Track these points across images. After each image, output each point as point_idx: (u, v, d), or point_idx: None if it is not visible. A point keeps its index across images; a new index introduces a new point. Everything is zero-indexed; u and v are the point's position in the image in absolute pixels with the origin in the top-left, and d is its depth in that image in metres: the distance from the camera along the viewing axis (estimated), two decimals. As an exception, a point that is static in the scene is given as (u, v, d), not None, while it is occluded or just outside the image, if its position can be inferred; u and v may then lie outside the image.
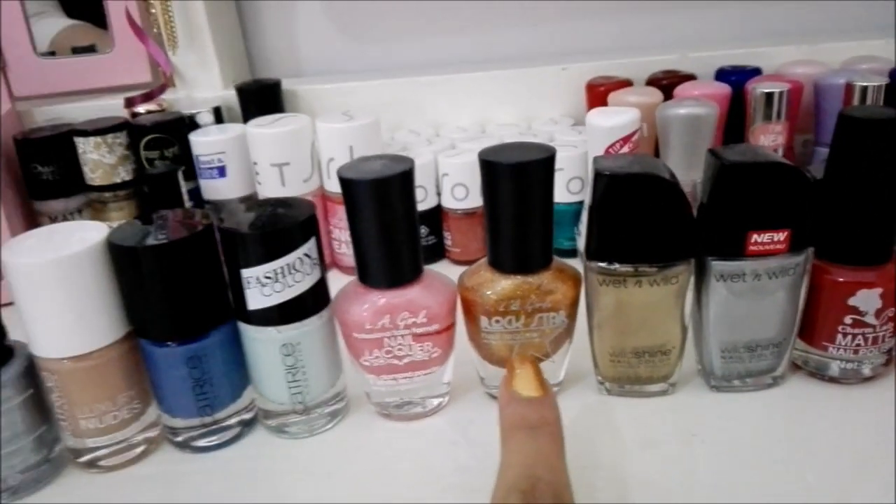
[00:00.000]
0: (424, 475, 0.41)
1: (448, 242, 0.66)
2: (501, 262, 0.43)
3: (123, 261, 0.40)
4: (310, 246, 0.41)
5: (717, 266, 0.42)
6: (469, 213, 0.64)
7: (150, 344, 0.42)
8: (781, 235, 0.41)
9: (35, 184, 0.68)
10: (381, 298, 0.42)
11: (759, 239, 0.41)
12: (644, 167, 0.41)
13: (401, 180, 0.40)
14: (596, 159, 0.42)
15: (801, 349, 0.46)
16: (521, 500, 0.29)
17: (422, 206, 0.64)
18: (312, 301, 0.42)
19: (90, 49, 0.77)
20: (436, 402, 0.46)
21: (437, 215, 0.65)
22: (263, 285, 0.40)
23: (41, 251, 0.39)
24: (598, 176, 0.41)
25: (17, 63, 0.75)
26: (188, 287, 0.41)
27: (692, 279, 0.43)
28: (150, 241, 0.40)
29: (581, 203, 0.63)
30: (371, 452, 0.44)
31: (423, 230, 0.65)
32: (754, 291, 0.42)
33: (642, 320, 0.43)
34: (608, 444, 0.43)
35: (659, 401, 0.46)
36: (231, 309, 0.43)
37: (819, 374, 0.46)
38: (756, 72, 0.68)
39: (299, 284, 0.41)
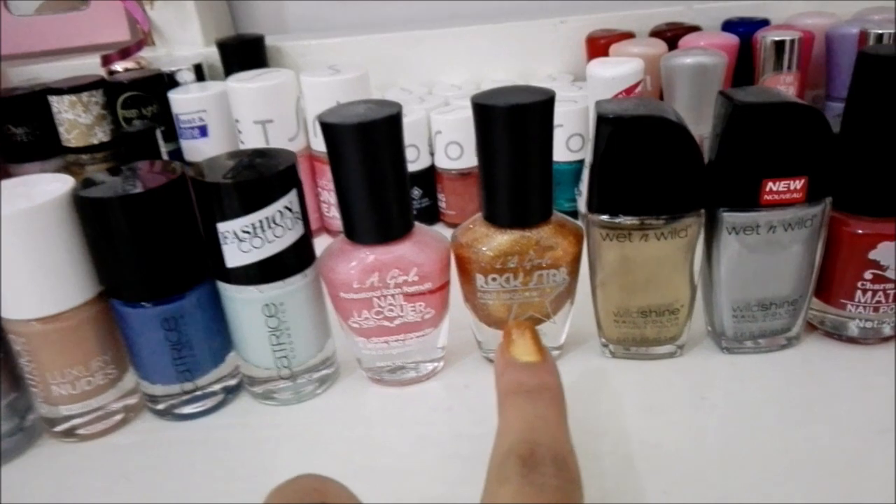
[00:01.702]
0: (419, 442, 0.39)
1: (442, 205, 0.63)
2: (497, 216, 0.40)
3: (91, 214, 0.37)
4: (290, 198, 0.38)
5: (730, 217, 0.39)
6: (464, 174, 0.61)
7: (122, 305, 0.39)
8: (798, 183, 0.38)
9: (10, 146, 0.64)
10: (370, 255, 0.39)
11: (774, 187, 0.38)
12: (650, 110, 0.38)
13: (387, 124, 0.37)
14: (598, 103, 0.39)
15: (818, 308, 0.43)
16: (519, 466, 0.27)
17: (414, 167, 0.61)
18: (295, 258, 0.39)
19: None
20: (430, 366, 0.44)
21: (430, 176, 0.62)
22: (241, 240, 0.37)
23: (2, 204, 0.36)
24: (601, 120, 0.38)
25: (-11, 21, 0.71)
26: (161, 243, 0.38)
27: (702, 233, 0.40)
28: (119, 191, 0.37)
29: (582, 162, 0.60)
30: (363, 419, 0.41)
31: (416, 192, 0.62)
32: (768, 245, 0.39)
33: (649, 277, 0.40)
34: (613, 410, 0.40)
35: (666, 363, 0.43)
36: (209, 268, 0.40)
37: (836, 333, 0.43)
38: (764, 23, 0.65)
39: (280, 240, 0.38)
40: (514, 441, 0.28)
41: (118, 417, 0.42)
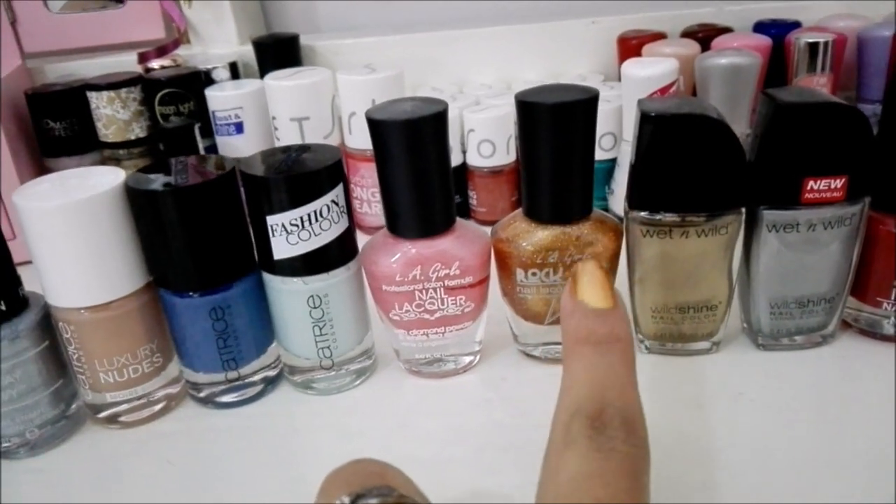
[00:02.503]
0: (456, 434, 0.40)
1: (473, 202, 0.64)
2: (538, 212, 0.41)
3: (142, 205, 0.38)
4: (337, 192, 0.39)
5: (770, 215, 0.39)
6: (496, 172, 0.61)
7: (170, 294, 0.40)
8: (839, 182, 0.38)
9: (47, 140, 0.66)
10: (412, 249, 0.40)
11: (815, 186, 0.38)
12: (693, 108, 0.38)
13: (434, 121, 0.38)
14: (640, 101, 0.39)
15: (853, 307, 0.44)
16: (586, 427, 0.24)
17: (447, 164, 0.61)
18: (340, 251, 0.40)
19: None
20: (467, 359, 0.44)
21: (462, 174, 0.63)
22: (289, 233, 0.38)
23: (55, 195, 0.37)
24: (644, 118, 0.38)
25: (28, 18, 0.72)
26: (210, 234, 0.39)
27: (742, 230, 0.40)
28: (170, 184, 0.37)
29: (613, 161, 0.61)
30: (400, 410, 0.42)
31: (448, 189, 0.63)
32: (808, 243, 0.40)
33: (688, 274, 0.41)
34: (649, 404, 0.40)
35: (702, 360, 0.43)
36: (255, 259, 0.41)
37: (871, 331, 0.43)
38: (795, 25, 0.65)
39: (326, 233, 0.39)
40: (582, 398, 0.26)
41: (160, 406, 0.43)
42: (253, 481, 0.38)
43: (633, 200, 0.40)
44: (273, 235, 0.38)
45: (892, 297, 0.41)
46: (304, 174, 0.37)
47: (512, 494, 0.35)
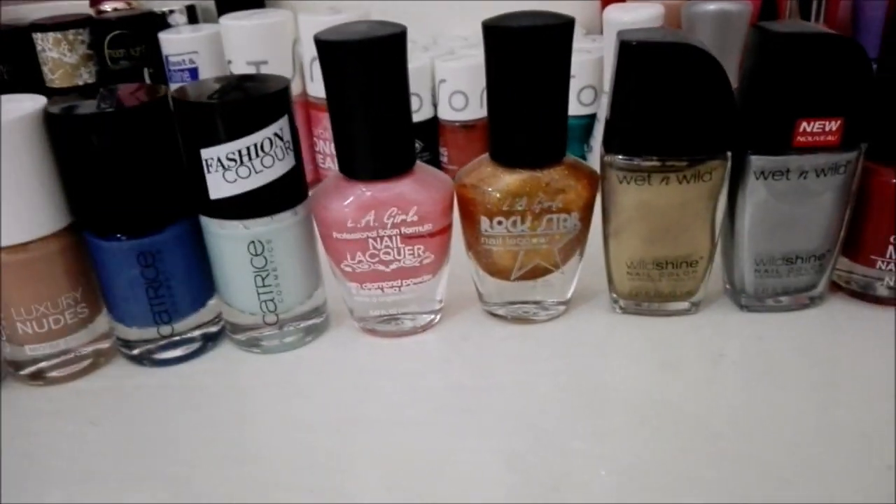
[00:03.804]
0: (411, 394, 0.36)
1: (444, 159, 0.60)
2: (506, 155, 0.37)
3: (63, 133, 0.34)
4: (281, 125, 0.35)
5: (758, 161, 0.36)
6: (468, 126, 0.58)
7: (95, 238, 0.36)
8: (834, 124, 0.35)
9: (-10, 85, 0.61)
10: (367, 192, 0.36)
11: (808, 128, 0.35)
12: (678, 38, 0.35)
13: (391, 44, 0.34)
14: (621, 32, 0.36)
15: (844, 268, 0.40)
16: None
17: (416, 117, 0.57)
18: (285, 192, 0.36)
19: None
20: (427, 318, 0.41)
21: (432, 128, 0.59)
22: (227, 169, 0.34)
23: (-36, 122, 0.33)
24: (624, 47, 0.34)
25: (-29, -45, 0.67)
26: (140, 170, 0.35)
27: (727, 178, 0.37)
28: (94, 109, 0.33)
29: (594, 116, 0.57)
30: (352, 370, 0.38)
31: (417, 144, 0.59)
32: (798, 192, 0.36)
33: (667, 225, 0.37)
34: (623, 366, 0.37)
35: (680, 320, 0.40)
36: (192, 202, 0.37)
37: (863, 293, 0.40)
38: (789, -22, 0.62)
39: (269, 170, 0.35)
40: None
41: (88, 361, 0.39)
42: (183, 444, 0.34)
43: (610, 143, 0.37)
44: (208, 171, 0.34)
45: (888, 256, 0.38)
46: (242, 101, 0.34)
47: (469, 459, 0.32)
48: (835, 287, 0.41)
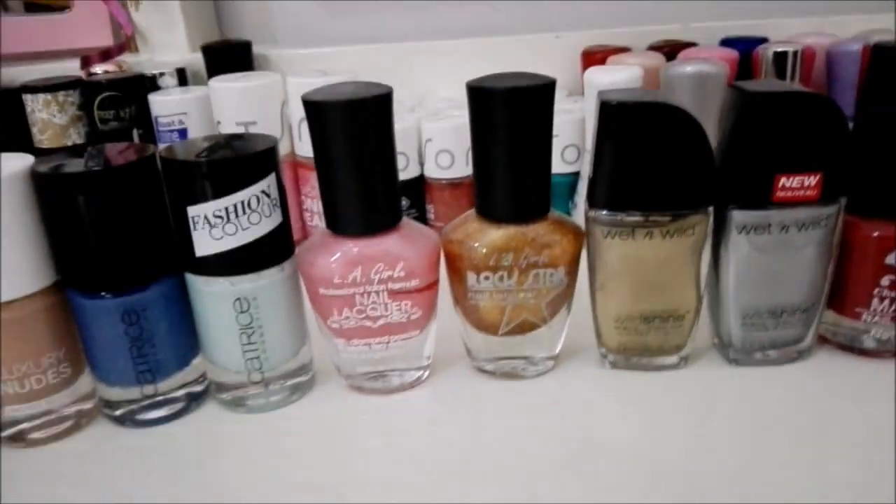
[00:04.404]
0: (399, 453, 0.35)
1: (431, 216, 0.60)
2: (491, 210, 0.37)
3: (48, 191, 0.34)
4: (268, 182, 0.35)
5: (740, 216, 0.36)
6: (454, 184, 0.58)
7: (79, 296, 0.36)
8: (813, 179, 0.36)
9: (-22, 146, 0.61)
10: (354, 248, 0.36)
11: (787, 183, 0.36)
12: (656, 98, 0.35)
13: (377, 104, 0.34)
14: (601, 92, 0.37)
15: (830, 322, 0.41)
16: None
17: (403, 176, 0.58)
18: (272, 249, 0.36)
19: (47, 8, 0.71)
20: (415, 374, 0.40)
21: (419, 186, 0.60)
22: (213, 226, 0.34)
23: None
24: (604, 107, 0.35)
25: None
26: (125, 227, 0.35)
27: (710, 233, 0.37)
28: (80, 167, 0.34)
29: (577, 174, 0.58)
30: (339, 428, 0.38)
31: (405, 202, 0.59)
32: (781, 246, 0.37)
33: (653, 279, 0.38)
34: (613, 422, 0.37)
35: (670, 375, 0.40)
36: (178, 259, 0.37)
37: (850, 346, 0.40)
38: (763, 41, 0.64)
39: (256, 227, 0.35)
40: None
41: (70, 423, 0.38)
42: (164, 507, 0.33)
43: (593, 199, 0.37)
44: (195, 228, 0.35)
45: (872, 309, 0.39)
46: (228, 159, 0.34)
47: (456, 520, 0.31)
48: (822, 340, 0.41)
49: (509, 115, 0.35)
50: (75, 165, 0.34)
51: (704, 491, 0.32)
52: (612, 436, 0.36)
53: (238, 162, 0.34)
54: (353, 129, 0.34)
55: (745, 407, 0.37)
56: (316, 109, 0.34)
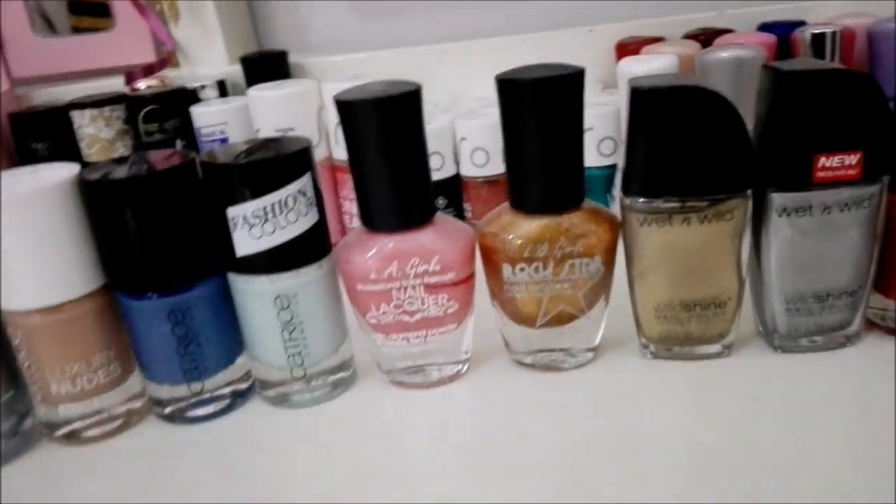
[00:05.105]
0: (440, 446, 0.36)
1: (468, 214, 0.60)
2: (525, 202, 0.38)
3: (95, 197, 0.35)
4: (304, 182, 0.36)
5: (780, 199, 0.36)
6: (490, 181, 0.58)
7: (127, 297, 0.37)
8: (853, 158, 0.35)
9: (31, 162, 0.63)
10: (389, 243, 0.37)
11: (827, 163, 0.35)
12: (688, 82, 0.35)
13: (407, 101, 0.35)
14: (633, 79, 0.36)
15: (878, 305, 0.39)
16: None
17: (439, 175, 0.58)
18: (310, 247, 0.37)
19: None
20: (454, 368, 0.41)
21: (455, 184, 0.60)
22: (252, 226, 0.35)
23: (5, 189, 0.35)
24: (636, 94, 0.35)
25: (15, 43, 0.71)
26: (169, 230, 0.36)
27: (749, 217, 0.37)
28: (125, 174, 0.35)
29: (614, 167, 0.58)
30: (381, 423, 0.38)
31: (441, 201, 0.60)
32: (823, 228, 0.36)
33: (692, 266, 0.37)
34: (656, 414, 0.37)
35: (713, 364, 0.39)
36: (220, 260, 0.38)
37: (900, 330, 0.39)
38: (801, 24, 0.62)
39: (294, 226, 0.36)
40: None
41: (120, 421, 0.39)
42: (216, 502, 0.34)
43: (628, 186, 0.37)
44: (234, 229, 0.35)
45: (922, 289, 0.37)
46: (265, 160, 0.35)
47: (498, 510, 0.31)
48: (870, 325, 0.40)
49: (538, 105, 0.35)
50: (120, 171, 0.36)
51: (754, 483, 0.31)
52: (656, 428, 0.35)
53: (274, 163, 0.35)
54: (384, 125, 0.35)
55: (793, 395, 0.36)
56: (347, 108, 0.35)
